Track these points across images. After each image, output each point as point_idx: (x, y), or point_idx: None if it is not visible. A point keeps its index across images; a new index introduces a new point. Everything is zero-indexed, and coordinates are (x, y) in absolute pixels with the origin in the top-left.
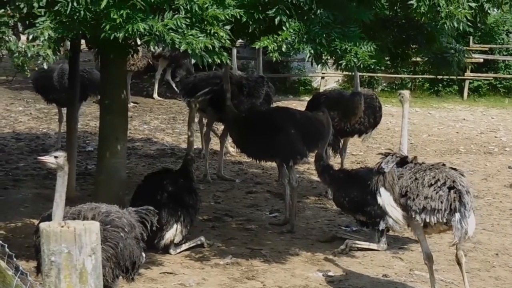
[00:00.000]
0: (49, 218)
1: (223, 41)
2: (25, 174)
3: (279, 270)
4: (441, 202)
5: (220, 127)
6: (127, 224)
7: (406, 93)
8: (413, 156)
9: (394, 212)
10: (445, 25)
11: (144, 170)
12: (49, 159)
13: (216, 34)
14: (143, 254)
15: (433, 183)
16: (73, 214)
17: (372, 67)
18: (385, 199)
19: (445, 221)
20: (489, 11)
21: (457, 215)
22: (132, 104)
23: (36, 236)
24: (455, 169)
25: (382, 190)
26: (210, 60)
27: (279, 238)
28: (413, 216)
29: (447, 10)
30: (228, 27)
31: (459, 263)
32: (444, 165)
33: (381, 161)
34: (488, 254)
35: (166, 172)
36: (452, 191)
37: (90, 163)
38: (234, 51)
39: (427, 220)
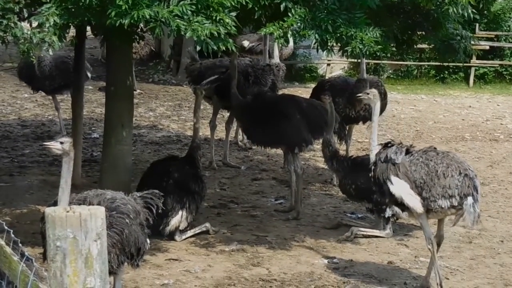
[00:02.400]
0: (55, 205)
1: (229, 27)
2: (31, 161)
3: (284, 257)
4: (456, 189)
5: (226, 115)
6: (132, 211)
7: (375, 91)
8: (410, 144)
9: (413, 199)
10: (449, 11)
11: (150, 157)
12: (55, 145)
13: (221, 21)
14: (148, 241)
15: (447, 172)
16: (78, 201)
17: (378, 53)
18: (400, 188)
19: (456, 204)
20: None
21: (470, 198)
22: (138, 91)
23: (42, 223)
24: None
25: (395, 179)
26: (215, 47)
27: (284, 225)
28: (429, 204)
29: None
30: (234, 14)
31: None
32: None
33: (383, 151)
34: (493, 241)
35: (172, 159)
36: (465, 177)
37: (96, 150)
38: (291, 42)
39: (442, 207)
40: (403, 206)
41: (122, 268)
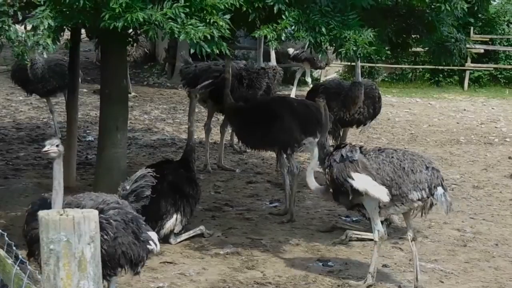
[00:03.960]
0: (42, 205)
1: (223, 30)
2: (26, 164)
3: (279, 260)
4: (426, 182)
5: (220, 118)
6: (121, 221)
7: (311, 139)
8: (360, 145)
9: (378, 190)
10: (443, 10)
11: (145, 160)
12: (52, 149)
13: (215, 24)
14: (150, 247)
15: (415, 167)
16: (69, 205)
17: (372, 55)
18: (363, 181)
19: (426, 196)
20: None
21: (440, 188)
22: (133, 94)
23: (25, 225)
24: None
25: (356, 174)
26: (209, 50)
27: (279, 228)
28: (400, 199)
29: None
30: (227, 16)
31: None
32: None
33: (335, 152)
34: (487, 244)
35: (166, 162)
36: (433, 170)
37: (91, 153)
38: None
39: (413, 200)
40: (362, 207)
41: (113, 278)
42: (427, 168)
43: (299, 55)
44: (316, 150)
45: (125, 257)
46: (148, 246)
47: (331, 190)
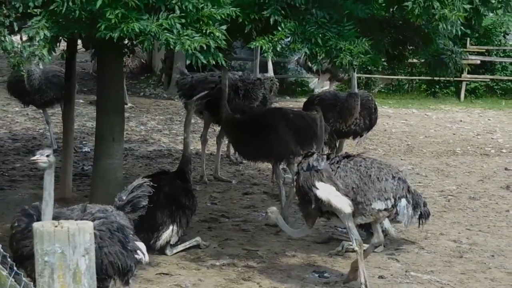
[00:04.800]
0: (29, 222)
1: (219, 41)
2: (22, 175)
3: (275, 271)
4: (392, 192)
5: (217, 129)
6: (107, 230)
7: (273, 209)
8: (328, 153)
9: (340, 200)
10: (439, 27)
11: (141, 171)
12: (42, 159)
13: (211, 34)
14: (138, 256)
15: (381, 176)
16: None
17: (368, 65)
18: (326, 191)
19: (390, 207)
20: (484, 13)
21: (403, 200)
22: (129, 104)
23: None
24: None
25: (320, 184)
26: (205, 61)
27: (275, 239)
28: (364, 208)
29: (441, 13)
30: (224, 27)
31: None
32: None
33: (304, 161)
34: (484, 255)
35: (162, 173)
36: (399, 180)
37: (87, 163)
38: None
39: (377, 209)
40: (330, 214)
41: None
42: (393, 177)
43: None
44: (279, 219)
45: (113, 267)
46: (136, 255)
47: (297, 198)
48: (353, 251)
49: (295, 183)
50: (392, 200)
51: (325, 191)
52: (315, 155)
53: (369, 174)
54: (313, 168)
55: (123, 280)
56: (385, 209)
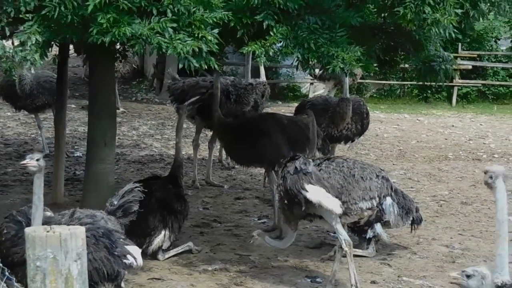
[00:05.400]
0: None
1: (211, 45)
2: (14, 180)
3: (267, 276)
4: (376, 190)
5: (209, 134)
6: (92, 236)
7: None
8: (312, 156)
9: (331, 201)
10: (431, 31)
11: (133, 176)
12: (32, 163)
13: (204, 38)
14: (127, 260)
15: (365, 175)
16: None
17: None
18: (316, 193)
19: (375, 205)
20: (475, 17)
21: (388, 199)
22: (121, 109)
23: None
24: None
25: (309, 186)
26: (197, 65)
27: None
28: (349, 207)
29: (433, 17)
30: (216, 31)
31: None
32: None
33: (289, 164)
34: (476, 260)
35: (154, 178)
36: (383, 179)
37: (79, 168)
38: None
39: (363, 208)
40: (313, 216)
41: None
42: (377, 176)
43: (324, 73)
44: (266, 240)
45: (98, 273)
46: (125, 260)
47: (285, 201)
48: (344, 256)
49: (280, 187)
50: (377, 199)
51: (315, 193)
52: (301, 159)
53: (353, 174)
54: (301, 171)
55: (113, 285)
56: (370, 208)
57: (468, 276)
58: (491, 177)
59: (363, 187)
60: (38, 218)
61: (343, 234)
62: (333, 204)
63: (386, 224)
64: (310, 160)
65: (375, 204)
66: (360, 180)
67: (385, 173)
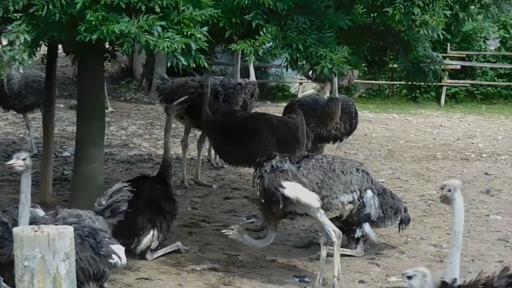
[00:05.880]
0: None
1: (200, 43)
2: (1, 180)
3: (255, 276)
4: (357, 184)
5: (197, 133)
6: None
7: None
8: (289, 155)
9: (308, 196)
10: (420, 33)
11: (121, 176)
12: (18, 163)
13: (193, 36)
14: (112, 260)
15: (345, 169)
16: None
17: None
18: (294, 189)
19: (356, 199)
20: (464, 19)
21: (369, 192)
22: (110, 109)
23: None
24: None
25: (286, 183)
26: (185, 63)
27: None
28: (330, 201)
29: (422, 19)
30: (205, 29)
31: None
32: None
33: (266, 163)
34: (464, 259)
35: (143, 178)
36: (363, 172)
37: (67, 168)
38: None
39: (344, 202)
40: (294, 214)
41: None
42: (357, 170)
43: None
44: (245, 238)
45: (84, 273)
46: (110, 260)
47: (263, 201)
48: (331, 255)
49: (258, 186)
50: (358, 192)
51: (292, 189)
52: (277, 157)
53: (333, 169)
54: (277, 169)
55: (98, 284)
56: (351, 202)
57: (410, 277)
58: (449, 190)
59: (344, 181)
60: (25, 217)
61: (331, 226)
62: (310, 198)
63: (374, 224)
64: (287, 158)
65: (356, 198)
66: (341, 174)
67: (365, 167)
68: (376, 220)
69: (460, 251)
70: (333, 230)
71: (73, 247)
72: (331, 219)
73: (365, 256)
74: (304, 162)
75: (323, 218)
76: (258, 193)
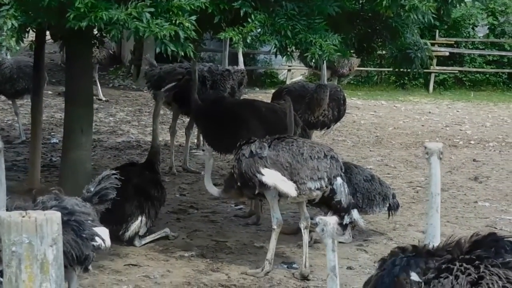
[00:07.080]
0: None
1: (188, 32)
2: None
3: (244, 262)
4: (325, 171)
5: (186, 120)
6: None
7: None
8: (269, 140)
9: (287, 185)
10: (410, 18)
11: (110, 162)
12: None
13: (181, 25)
14: (95, 242)
15: (313, 154)
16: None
17: (336, 59)
18: (272, 176)
19: (324, 186)
20: (453, 3)
21: (339, 179)
22: (104, 99)
23: None
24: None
25: (265, 170)
26: (174, 49)
27: (244, 230)
28: (298, 187)
29: (411, 3)
30: (193, 18)
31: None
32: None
33: (245, 148)
34: None
35: (131, 165)
36: (332, 159)
37: (55, 155)
38: None
39: (312, 188)
40: (258, 195)
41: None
42: (325, 156)
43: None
44: (211, 160)
45: (67, 256)
46: (93, 242)
47: (238, 183)
48: (318, 242)
49: (234, 169)
50: (326, 179)
51: (271, 177)
52: (256, 142)
53: (301, 153)
54: (256, 155)
55: (81, 268)
56: (318, 189)
57: (316, 224)
58: (427, 153)
59: (311, 166)
60: (1, 201)
61: (277, 213)
62: (288, 188)
63: (362, 211)
64: (266, 144)
65: (323, 185)
66: (309, 159)
67: (334, 152)
68: (361, 206)
69: (439, 213)
70: (277, 218)
71: (60, 232)
72: (319, 205)
73: (353, 242)
74: (274, 143)
75: (275, 204)
76: (234, 175)
